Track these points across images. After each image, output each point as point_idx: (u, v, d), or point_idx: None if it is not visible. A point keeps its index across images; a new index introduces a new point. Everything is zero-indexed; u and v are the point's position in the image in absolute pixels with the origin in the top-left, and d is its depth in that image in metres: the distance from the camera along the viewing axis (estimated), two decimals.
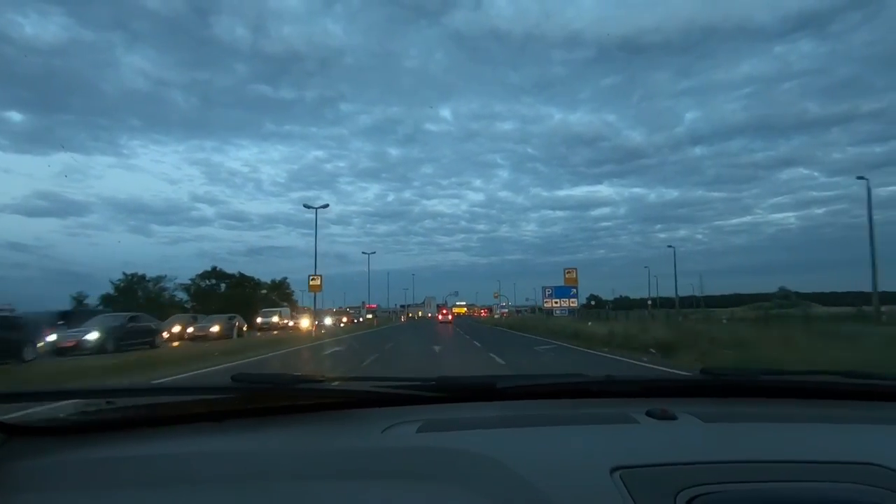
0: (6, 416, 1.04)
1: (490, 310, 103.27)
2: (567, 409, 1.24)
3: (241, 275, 62.26)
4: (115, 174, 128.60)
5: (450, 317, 74.94)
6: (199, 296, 56.70)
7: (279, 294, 66.86)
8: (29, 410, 1.16)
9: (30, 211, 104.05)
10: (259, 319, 39.28)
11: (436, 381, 1.30)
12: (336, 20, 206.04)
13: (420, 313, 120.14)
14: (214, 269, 60.53)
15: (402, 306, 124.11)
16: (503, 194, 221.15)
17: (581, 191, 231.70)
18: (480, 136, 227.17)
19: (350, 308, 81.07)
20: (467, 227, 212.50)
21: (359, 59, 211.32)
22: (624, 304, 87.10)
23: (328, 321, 47.09)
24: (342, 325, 52.10)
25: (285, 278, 70.51)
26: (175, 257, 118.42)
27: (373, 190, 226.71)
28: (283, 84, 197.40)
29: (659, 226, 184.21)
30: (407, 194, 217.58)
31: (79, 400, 1.18)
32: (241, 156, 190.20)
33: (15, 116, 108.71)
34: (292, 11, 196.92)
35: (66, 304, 37.48)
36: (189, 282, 58.06)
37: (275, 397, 1.18)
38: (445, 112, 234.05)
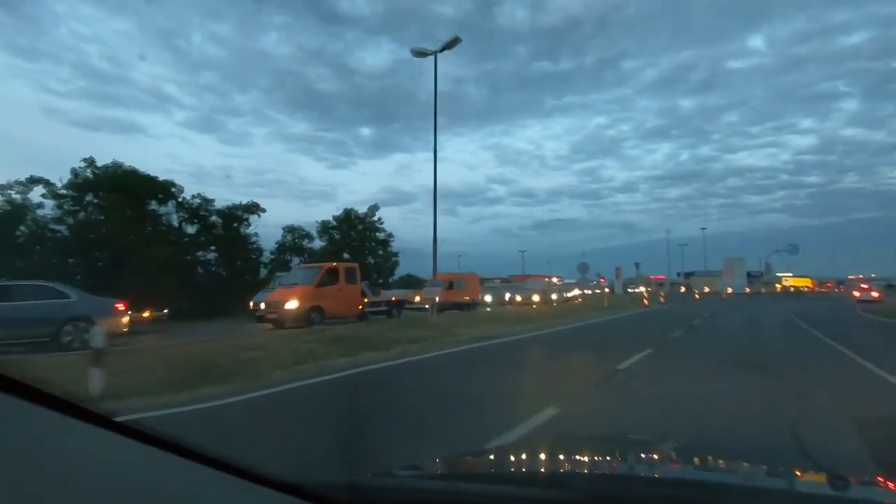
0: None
1: (840, 282, 68.78)
2: None
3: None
4: (430, 167, 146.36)
5: (874, 294, 37.79)
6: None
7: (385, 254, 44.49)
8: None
9: (380, 202, 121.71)
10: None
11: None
12: None
13: (709, 287, 76.30)
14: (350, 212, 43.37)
15: (686, 275, 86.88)
16: (848, 132, 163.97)
17: None
18: (810, 61, 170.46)
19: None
20: (790, 181, 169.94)
21: (642, 5, 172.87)
22: None
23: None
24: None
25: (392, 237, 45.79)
26: (475, 233, 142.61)
27: (662, 150, 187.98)
28: (561, 56, 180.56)
29: None
30: (704, 150, 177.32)
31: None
32: (526, 135, 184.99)
33: (365, 131, 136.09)
34: None
35: None
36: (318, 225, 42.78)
37: None
38: (756, 41, 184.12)
